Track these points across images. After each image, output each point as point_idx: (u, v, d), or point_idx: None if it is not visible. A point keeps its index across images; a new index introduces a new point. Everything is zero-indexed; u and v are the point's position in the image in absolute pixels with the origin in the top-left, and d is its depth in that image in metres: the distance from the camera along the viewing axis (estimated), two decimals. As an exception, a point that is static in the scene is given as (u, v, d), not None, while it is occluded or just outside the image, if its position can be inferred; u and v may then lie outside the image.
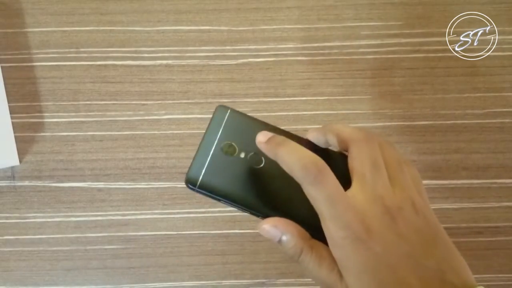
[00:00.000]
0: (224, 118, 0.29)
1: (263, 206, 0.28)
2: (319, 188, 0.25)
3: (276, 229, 0.27)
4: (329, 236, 0.25)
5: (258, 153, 0.28)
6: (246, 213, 0.28)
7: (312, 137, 0.30)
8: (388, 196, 0.26)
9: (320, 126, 0.30)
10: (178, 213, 0.49)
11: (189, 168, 0.28)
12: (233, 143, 0.29)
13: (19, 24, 0.49)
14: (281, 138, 0.27)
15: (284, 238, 0.27)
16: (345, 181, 0.26)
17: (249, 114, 0.30)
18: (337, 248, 0.25)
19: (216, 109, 0.29)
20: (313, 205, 0.26)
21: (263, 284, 0.49)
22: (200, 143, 0.29)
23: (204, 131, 0.29)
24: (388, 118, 0.49)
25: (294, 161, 0.26)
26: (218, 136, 0.29)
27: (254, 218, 0.49)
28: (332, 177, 0.25)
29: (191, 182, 0.28)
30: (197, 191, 0.28)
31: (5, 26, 0.49)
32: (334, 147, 0.29)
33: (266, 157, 0.28)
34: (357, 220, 0.25)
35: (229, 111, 0.29)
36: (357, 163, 0.27)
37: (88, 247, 0.49)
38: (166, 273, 0.49)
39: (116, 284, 0.49)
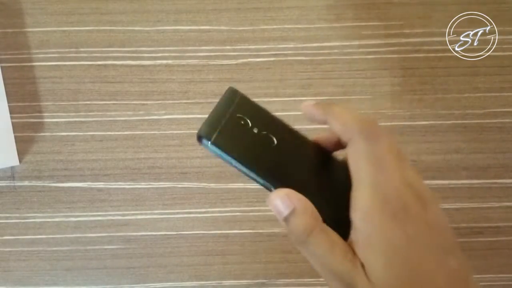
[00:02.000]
0: (236, 98, 0.28)
1: (276, 176, 0.26)
2: (373, 145, 0.24)
3: (289, 200, 0.24)
4: (363, 206, 0.23)
5: (270, 134, 0.28)
6: (256, 183, 0.27)
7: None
8: (417, 184, 0.25)
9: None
10: (178, 213, 0.49)
11: (203, 124, 0.27)
12: (245, 118, 0.28)
13: (19, 24, 0.49)
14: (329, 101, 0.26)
15: (294, 212, 0.24)
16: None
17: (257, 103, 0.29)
18: (369, 223, 0.23)
19: (228, 89, 0.29)
20: (354, 165, 0.24)
21: (263, 284, 0.49)
22: (213, 110, 0.28)
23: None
24: (388, 118, 0.49)
25: (352, 115, 0.25)
26: (231, 109, 0.28)
27: (254, 218, 0.49)
28: (389, 137, 0.24)
29: (205, 136, 0.26)
30: (210, 147, 0.26)
31: (5, 26, 0.49)
32: (333, 132, 0.27)
33: (278, 138, 0.27)
34: (397, 195, 0.23)
35: (240, 94, 0.29)
36: (383, 147, 0.25)
37: (88, 247, 0.49)
38: (166, 273, 0.49)
39: (116, 284, 0.49)
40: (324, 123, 0.27)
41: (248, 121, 0.28)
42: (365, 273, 0.23)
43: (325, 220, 0.25)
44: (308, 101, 0.28)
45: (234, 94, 0.29)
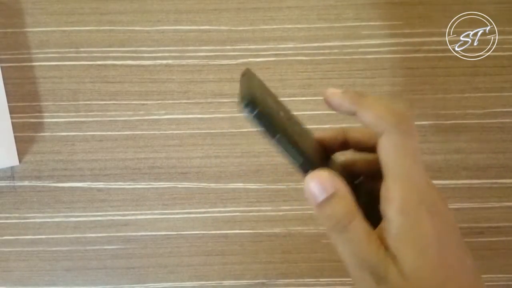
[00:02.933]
0: (256, 81, 0.27)
1: (314, 157, 0.25)
2: (409, 139, 0.23)
3: (333, 182, 0.24)
4: (399, 198, 0.23)
5: (294, 120, 0.26)
6: (292, 161, 0.25)
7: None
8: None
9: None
10: (178, 213, 0.49)
11: (246, 92, 0.24)
12: (271, 99, 0.26)
13: (19, 24, 0.49)
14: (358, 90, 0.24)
15: (337, 195, 0.23)
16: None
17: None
18: (405, 215, 0.23)
19: (246, 71, 0.27)
20: (389, 157, 0.24)
21: (263, 284, 0.49)
22: (244, 85, 0.25)
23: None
24: (388, 118, 0.49)
25: (386, 107, 0.24)
26: (258, 88, 0.26)
27: (254, 218, 0.49)
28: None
29: (253, 103, 0.23)
30: (256, 116, 0.24)
31: (5, 26, 0.49)
32: (363, 123, 0.25)
33: (299, 126, 0.26)
34: (428, 190, 0.24)
35: (258, 78, 0.27)
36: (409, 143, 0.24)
37: (88, 247, 0.49)
38: (166, 273, 0.49)
39: (116, 284, 0.49)
40: (352, 113, 0.26)
41: (274, 103, 0.26)
42: (396, 265, 0.23)
43: None
44: (333, 89, 0.26)
45: (254, 77, 0.27)
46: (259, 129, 0.24)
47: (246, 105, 0.23)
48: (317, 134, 0.28)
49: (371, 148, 0.26)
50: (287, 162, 0.25)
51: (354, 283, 0.24)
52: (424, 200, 0.23)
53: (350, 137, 0.27)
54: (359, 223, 0.24)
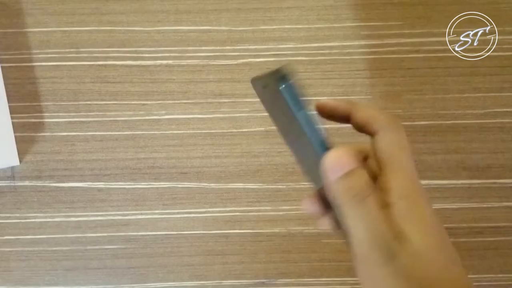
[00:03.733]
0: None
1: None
2: (401, 136, 0.27)
3: (353, 158, 0.25)
4: (400, 186, 0.25)
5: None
6: (310, 138, 0.26)
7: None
8: None
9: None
10: (178, 213, 0.49)
11: (280, 70, 0.26)
12: None
13: (19, 24, 0.49)
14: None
15: (359, 168, 0.25)
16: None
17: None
18: (407, 200, 0.25)
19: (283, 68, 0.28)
20: (387, 152, 0.26)
21: (263, 284, 0.49)
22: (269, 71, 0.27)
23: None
24: (388, 118, 0.49)
25: (377, 109, 0.27)
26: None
27: (254, 218, 0.49)
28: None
29: (288, 76, 0.26)
30: (291, 85, 0.26)
31: (5, 26, 0.49)
32: (357, 123, 0.27)
33: None
34: (418, 178, 0.26)
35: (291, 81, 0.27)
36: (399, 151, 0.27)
37: (88, 247, 0.49)
38: (166, 273, 0.49)
39: (116, 284, 0.49)
40: (346, 114, 0.28)
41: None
42: (406, 244, 0.24)
43: None
44: (325, 98, 0.29)
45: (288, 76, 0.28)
46: (289, 101, 0.25)
47: (280, 78, 0.25)
48: (325, 100, 0.29)
49: (369, 133, 0.28)
50: (303, 143, 0.26)
51: (359, 262, 0.25)
52: (418, 187, 0.26)
53: (358, 116, 0.28)
54: (376, 198, 0.25)
